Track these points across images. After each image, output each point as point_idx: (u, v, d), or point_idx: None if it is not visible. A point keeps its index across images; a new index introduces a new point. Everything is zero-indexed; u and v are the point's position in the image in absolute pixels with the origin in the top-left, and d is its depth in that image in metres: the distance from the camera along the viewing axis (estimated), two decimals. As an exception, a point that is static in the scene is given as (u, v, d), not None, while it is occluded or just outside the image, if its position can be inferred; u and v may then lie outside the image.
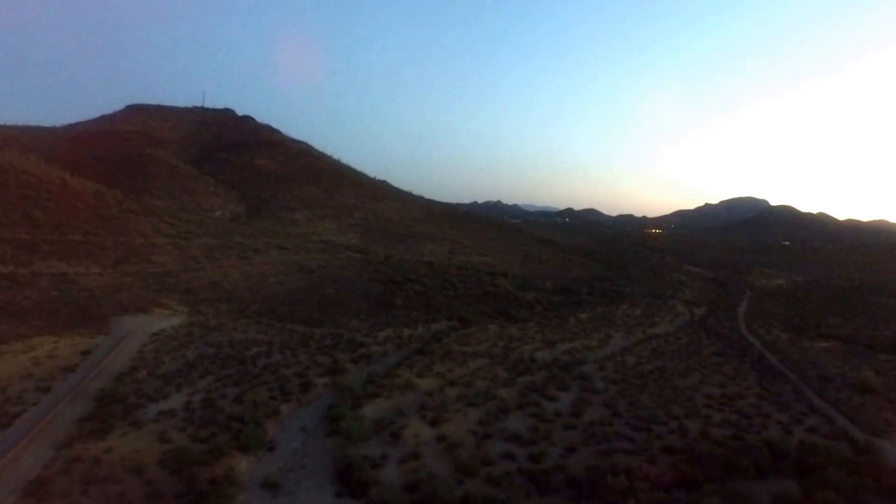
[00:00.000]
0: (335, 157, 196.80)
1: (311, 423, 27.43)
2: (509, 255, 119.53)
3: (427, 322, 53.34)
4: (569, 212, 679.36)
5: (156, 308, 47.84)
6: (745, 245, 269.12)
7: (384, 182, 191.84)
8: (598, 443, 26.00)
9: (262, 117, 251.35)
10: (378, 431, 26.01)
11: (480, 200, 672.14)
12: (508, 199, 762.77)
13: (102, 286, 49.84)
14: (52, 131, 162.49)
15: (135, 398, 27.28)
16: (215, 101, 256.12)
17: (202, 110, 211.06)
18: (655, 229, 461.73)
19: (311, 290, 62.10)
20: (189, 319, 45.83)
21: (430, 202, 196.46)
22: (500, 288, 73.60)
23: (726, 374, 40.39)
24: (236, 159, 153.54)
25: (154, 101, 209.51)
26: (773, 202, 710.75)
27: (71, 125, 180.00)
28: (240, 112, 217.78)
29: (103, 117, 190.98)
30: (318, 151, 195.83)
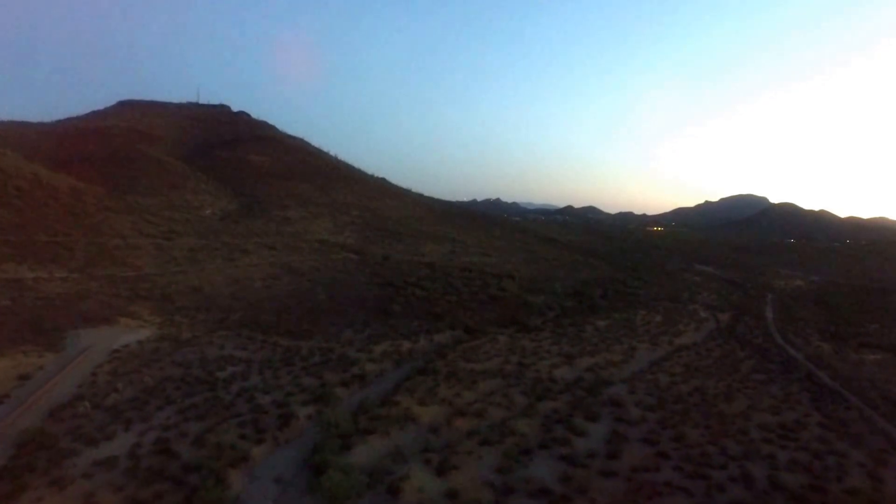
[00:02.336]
0: (332, 153, 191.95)
1: (288, 472, 22.08)
2: (513, 255, 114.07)
3: (429, 332, 47.95)
4: (569, 209, 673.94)
5: (123, 318, 42.39)
6: (750, 243, 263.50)
7: (382, 179, 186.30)
8: (649, 497, 20.73)
9: (258, 114, 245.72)
10: (371, 485, 20.68)
11: (479, 198, 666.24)
12: (507, 197, 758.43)
13: (64, 293, 44.41)
14: (39, 127, 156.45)
15: (68, 442, 21.87)
16: (210, 98, 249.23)
17: (196, 106, 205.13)
18: (657, 227, 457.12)
19: (302, 295, 56.69)
20: (159, 332, 40.42)
21: (430, 200, 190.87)
22: (507, 292, 68.19)
23: (775, 396, 35.11)
24: (230, 155, 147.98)
25: (147, 97, 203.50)
26: (774, 200, 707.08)
27: (59, 121, 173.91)
28: (235, 108, 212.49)
29: (94, 113, 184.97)
30: (314, 148, 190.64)
